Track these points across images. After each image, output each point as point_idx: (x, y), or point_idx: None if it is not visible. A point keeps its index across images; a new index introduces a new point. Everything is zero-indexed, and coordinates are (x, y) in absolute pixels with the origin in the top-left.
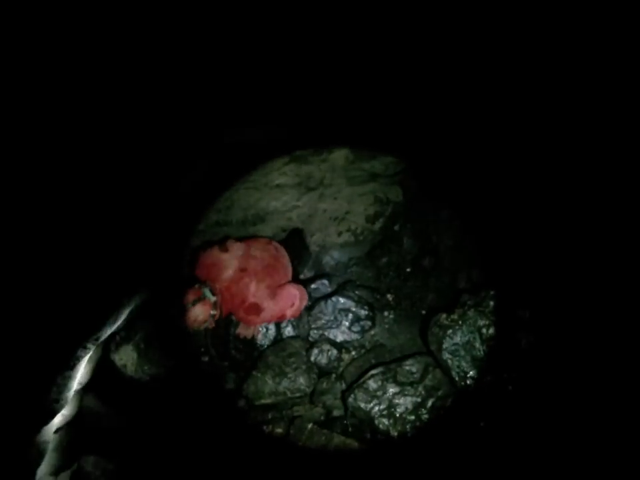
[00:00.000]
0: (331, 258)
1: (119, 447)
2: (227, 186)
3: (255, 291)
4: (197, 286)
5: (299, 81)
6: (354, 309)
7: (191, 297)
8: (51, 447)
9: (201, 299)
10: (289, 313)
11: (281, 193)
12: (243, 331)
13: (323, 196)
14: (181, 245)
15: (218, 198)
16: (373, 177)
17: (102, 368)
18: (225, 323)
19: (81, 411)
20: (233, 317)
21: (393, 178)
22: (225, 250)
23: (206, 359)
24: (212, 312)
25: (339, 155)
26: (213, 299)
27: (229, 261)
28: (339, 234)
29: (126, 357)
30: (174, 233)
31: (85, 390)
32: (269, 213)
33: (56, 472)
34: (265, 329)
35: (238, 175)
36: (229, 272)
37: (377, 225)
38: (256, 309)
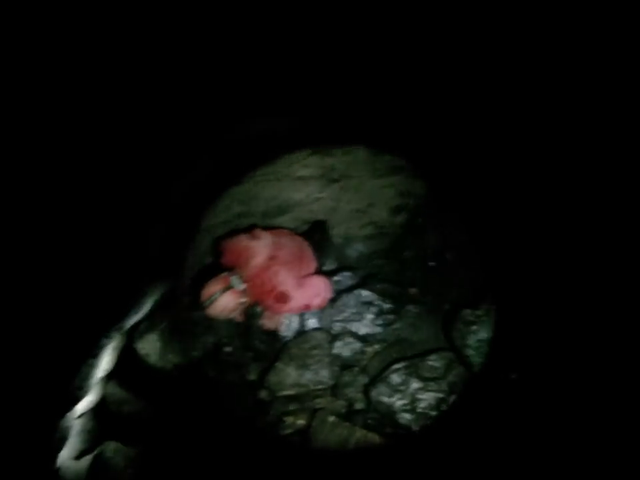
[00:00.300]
0: (354, 250)
1: (140, 434)
2: (245, 177)
3: (283, 279)
4: (224, 274)
5: (318, 76)
6: (377, 302)
7: (218, 285)
8: (73, 432)
9: (229, 287)
10: (315, 302)
11: (304, 184)
12: (267, 322)
13: (345, 188)
14: (203, 232)
15: (235, 189)
16: (396, 170)
17: (126, 356)
18: (249, 314)
19: (103, 397)
20: (257, 308)
21: (416, 171)
22: (254, 237)
23: (229, 349)
24: (241, 300)
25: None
26: (242, 286)
27: (259, 248)
28: (362, 226)
29: (149, 346)
30: (195, 221)
31: (108, 377)
32: (291, 204)
33: (78, 456)
34: (288, 321)
35: (256, 166)
36: (258, 259)
37: (400, 218)
38: (284, 297)
